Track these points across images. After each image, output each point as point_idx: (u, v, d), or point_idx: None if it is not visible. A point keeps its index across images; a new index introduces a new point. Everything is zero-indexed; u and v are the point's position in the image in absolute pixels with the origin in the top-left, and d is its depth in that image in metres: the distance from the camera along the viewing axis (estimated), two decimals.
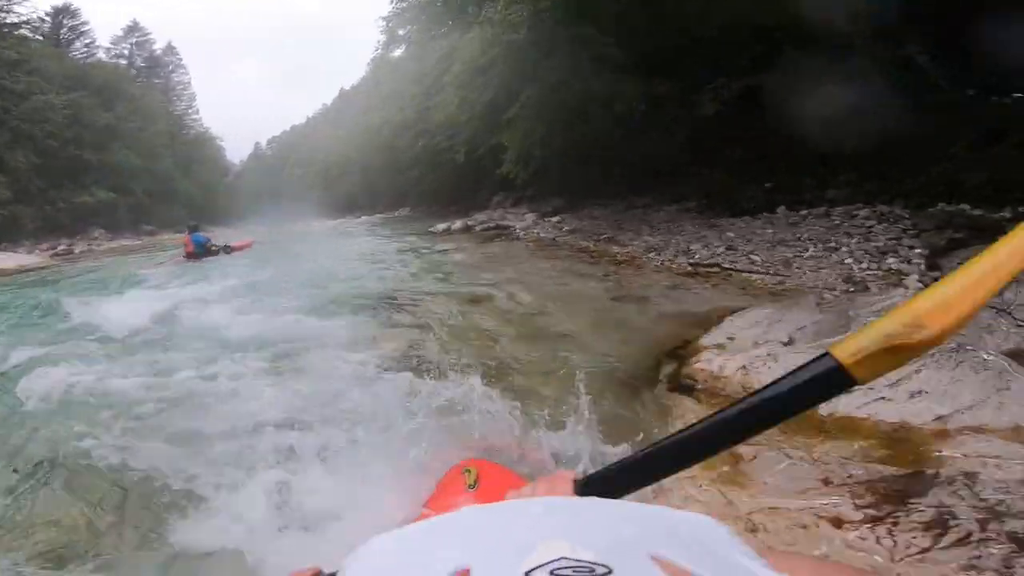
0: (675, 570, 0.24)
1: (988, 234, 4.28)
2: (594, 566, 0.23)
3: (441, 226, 13.36)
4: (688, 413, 2.31)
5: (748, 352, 2.71)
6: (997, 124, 5.87)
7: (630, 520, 0.30)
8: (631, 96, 9.13)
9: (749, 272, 5.07)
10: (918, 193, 5.81)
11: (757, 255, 5.51)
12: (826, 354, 0.39)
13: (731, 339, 3.00)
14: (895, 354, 0.37)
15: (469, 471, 1.11)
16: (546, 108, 10.01)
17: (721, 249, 6.00)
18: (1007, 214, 4.87)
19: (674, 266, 5.88)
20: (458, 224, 13.13)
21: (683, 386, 2.60)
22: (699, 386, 2.56)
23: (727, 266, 5.39)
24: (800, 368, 0.40)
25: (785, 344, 2.80)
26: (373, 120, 29.60)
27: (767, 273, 4.88)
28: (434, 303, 4.89)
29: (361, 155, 32.47)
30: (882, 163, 6.44)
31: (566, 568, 0.23)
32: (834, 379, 0.38)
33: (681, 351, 3.06)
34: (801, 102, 5.92)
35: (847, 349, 0.38)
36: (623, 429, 1.99)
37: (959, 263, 0.39)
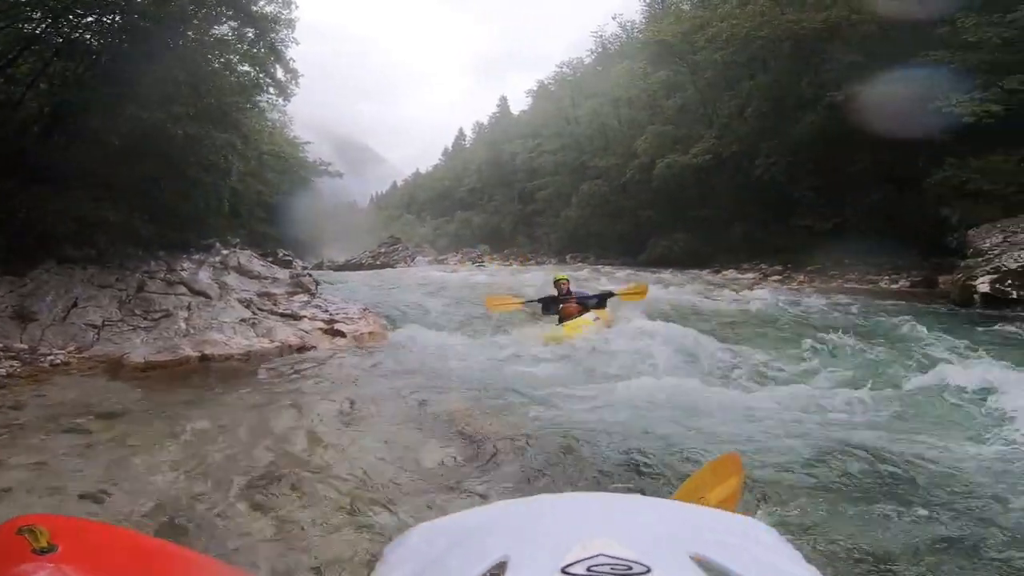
0: (715, 570, 0.25)
1: None
2: (632, 564, 0.24)
3: None
4: None
5: None
6: None
7: (670, 519, 0.32)
8: None
9: None
10: None
11: None
12: None
13: None
14: None
15: (34, 532, 0.59)
16: None
17: None
18: None
19: None
20: None
21: None
22: None
23: None
24: None
25: None
26: None
27: None
28: None
29: None
30: None
31: (604, 565, 0.24)
32: None
33: None
34: None
35: None
36: None
37: None
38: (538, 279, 13.68)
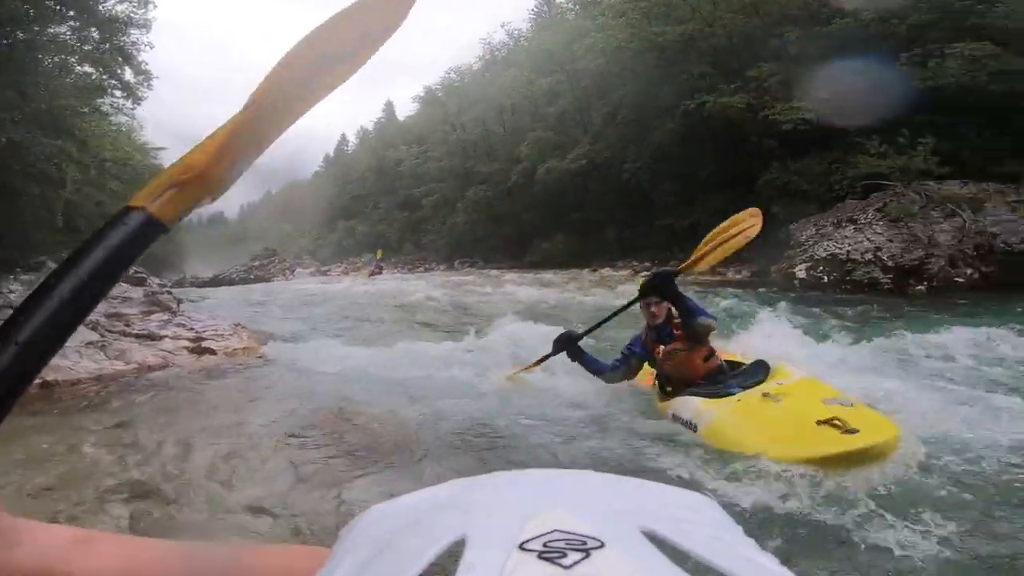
0: (666, 545, 0.26)
1: None
2: (587, 539, 0.25)
3: None
4: None
5: None
6: None
7: (621, 494, 0.32)
8: None
9: None
10: None
11: None
12: (130, 209, 0.43)
13: None
14: (186, 191, 0.46)
15: None
16: None
17: None
18: None
19: None
20: None
21: None
22: None
23: None
24: (106, 230, 0.42)
25: None
26: None
27: None
28: None
29: None
30: None
31: (560, 540, 0.25)
32: (150, 229, 0.43)
33: None
34: None
35: (147, 197, 0.44)
36: None
37: None
38: (420, 287, 13.90)
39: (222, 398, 4.15)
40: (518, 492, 0.33)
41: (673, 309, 3.29)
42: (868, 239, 10.89)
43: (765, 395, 2.71)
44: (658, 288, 3.26)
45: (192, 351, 5.73)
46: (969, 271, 10.00)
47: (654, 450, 2.79)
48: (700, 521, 0.31)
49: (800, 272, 10.74)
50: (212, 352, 5.64)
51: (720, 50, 18.40)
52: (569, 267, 19.39)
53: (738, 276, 13.75)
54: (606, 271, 17.83)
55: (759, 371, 3.14)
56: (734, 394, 2.88)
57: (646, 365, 3.57)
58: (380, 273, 22.22)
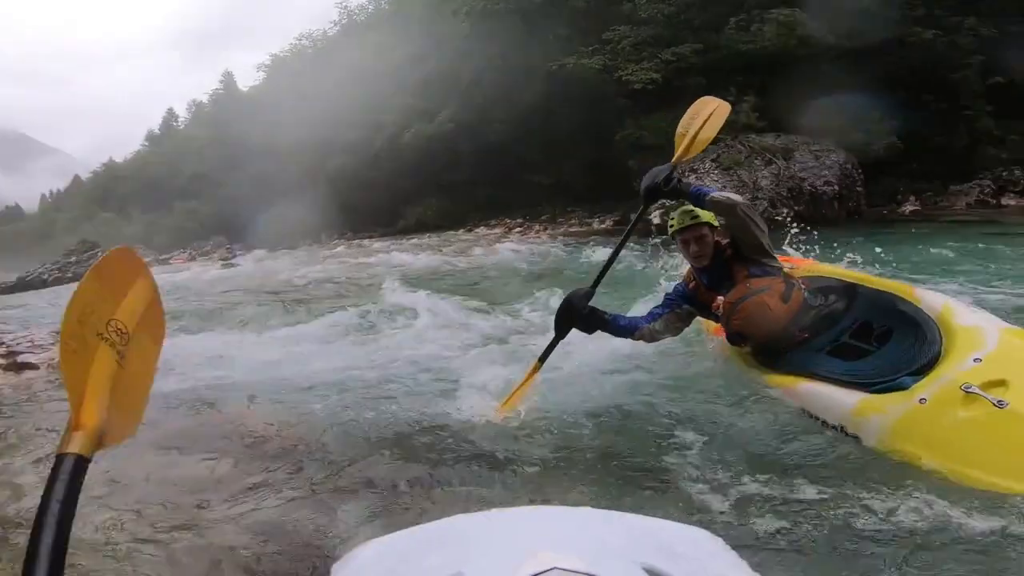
0: None
1: None
2: None
3: None
4: None
5: None
6: None
7: (621, 531, 0.32)
8: None
9: None
10: None
11: None
12: (65, 455, 0.48)
13: None
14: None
15: None
16: None
17: None
18: None
19: None
20: None
21: None
22: None
23: None
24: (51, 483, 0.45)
25: None
26: None
27: None
28: None
29: None
30: None
31: None
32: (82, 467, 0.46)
33: None
34: None
35: (77, 442, 0.49)
36: None
37: None
38: (287, 266, 12.93)
39: (55, 420, 3.54)
40: (516, 529, 0.32)
41: (723, 243, 2.65)
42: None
43: (968, 391, 1.62)
44: (662, 189, 2.54)
45: (7, 368, 4.80)
46: (786, 211, 11.76)
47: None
48: (703, 557, 0.30)
49: (654, 219, 11.76)
50: (32, 367, 4.77)
51: (580, 13, 18.97)
52: (444, 230, 19.28)
53: (602, 226, 14.73)
54: (481, 230, 18.10)
55: (914, 329, 2.07)
56: (906, 386, 1.80)
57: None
58: (234, 258, 20.28)
